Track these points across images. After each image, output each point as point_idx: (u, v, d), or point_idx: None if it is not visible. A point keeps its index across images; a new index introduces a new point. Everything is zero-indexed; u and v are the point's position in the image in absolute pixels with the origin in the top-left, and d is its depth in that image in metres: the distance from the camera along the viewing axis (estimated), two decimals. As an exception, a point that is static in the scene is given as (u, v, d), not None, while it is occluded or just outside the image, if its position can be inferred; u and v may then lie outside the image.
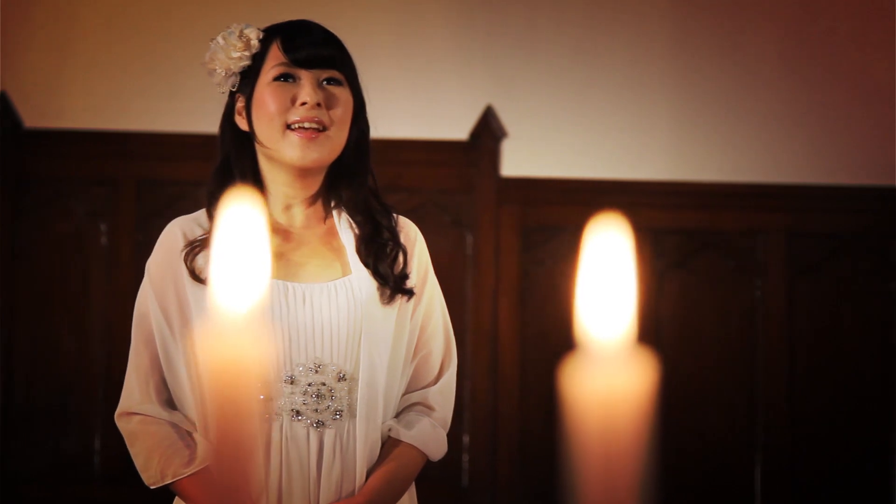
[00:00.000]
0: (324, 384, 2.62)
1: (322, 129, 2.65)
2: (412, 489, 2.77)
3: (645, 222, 5.33)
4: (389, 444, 2.69)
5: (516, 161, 5.39)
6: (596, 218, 0.89)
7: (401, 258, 2.71)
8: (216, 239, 0.86)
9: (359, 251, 2.68)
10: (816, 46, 5.49)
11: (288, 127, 2.64)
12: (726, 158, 5.46)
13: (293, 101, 2.65)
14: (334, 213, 2.73)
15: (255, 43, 2.69)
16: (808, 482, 5.28)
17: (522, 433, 5.26)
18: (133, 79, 5.37)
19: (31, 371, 5.22)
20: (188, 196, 5.09)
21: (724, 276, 5.36)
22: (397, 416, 2.73)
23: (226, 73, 2.72)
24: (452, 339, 2.81)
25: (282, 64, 2.67)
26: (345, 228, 2.71)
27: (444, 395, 2.76)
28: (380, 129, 5.28)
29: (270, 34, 2.71)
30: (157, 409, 2.66)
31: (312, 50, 2.67)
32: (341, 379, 2.63)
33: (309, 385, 2.62)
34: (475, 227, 5.32)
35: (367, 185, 2.74)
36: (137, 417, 2.69)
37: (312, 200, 2.72)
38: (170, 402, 2.66)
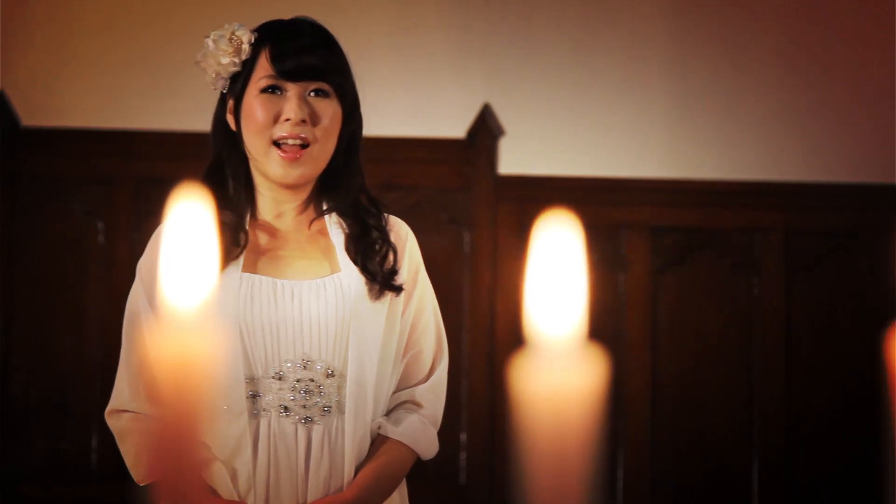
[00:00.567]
0: (312, 380, 2.63)
1: (306, 145, 2.65)
2: (403, 487, 2.77)
3: (642, 220, 5.34)
4: (378, 441, 2.70)
5: (514, 159, 5.39)
6: (545, 215, 0.89)
7: (390, 256, 2.71)
8: (163, 237, 0.86)
9: (348, 249, 2.69)
10: (814, 44, 5.49)
11: (274, 143, 2.65)
12: (724, 156, 5.46)
13: (279, 116, 2.66)
14: (325, 214, 2.74)
15: (245, 48, 2.69)
16: (806, 480, 5.28)
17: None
18: (131, 78, 5.38)
19: (29, 370, 5.22)
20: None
21: (722, 273, 5.36)
22: (387, 413, 2.73)
23: (216, 76, 2.73)
24: (444, 338, 2.81)
25: (269, 76, 2.67)
26: (335, 228, 2.72)
27: (434, 392, 2.77)
28: (377, 127, 5.31)
29: (262, 37, 2.71)
30: (146, 407, 2.68)
31: (300, 60, 2.67)
32: (330, 375, 2.64)
33: (297, 381, 2.62)
34: (473, 225, 5.32)
35: (357, 187, 2.75)
36: (127, 415, 2.70)
37: (303, 206, 2.73)
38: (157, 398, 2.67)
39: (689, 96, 5.46)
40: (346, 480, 2.64)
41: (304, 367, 2.63)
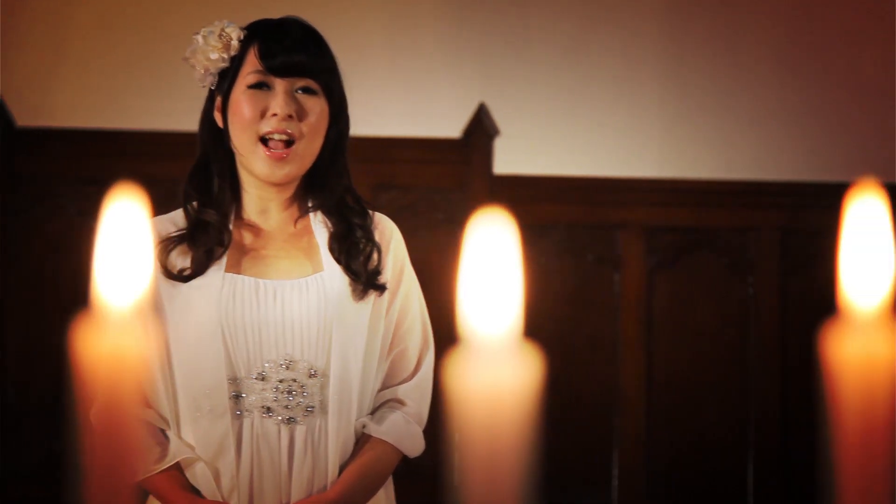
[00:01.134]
0: (295, 380, 2.62)
1: (291, 142, 2.65)
2: (389, 486, 2.77)
3: (637, 220, 5.34)
4: (362, 440, 2.70)
5: (509, 159, 5.39)
6: (479, 213, 0.89)
7: (375, 255, 2.71)
8: (98, 237, 0.86)
9: (331, 248, 2.69)
10: (811, 43, 5.48)
11: (261, 140, 2.65)
12: (719, 156, 5.46)
13: (266, 111, 2.66)
14: (310, 212, 2.74)
15: (234, 44, 2.70)
16: (801, 480, 5.27)
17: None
18: (125, 78, 5.38)
19: (24, 370, 5.23)
20: (180, 195, 5.09)
21: (717, 273, 5.35)
22: (372, 412, 2.73)
23: (204, 72, 2.73)
24: (430, 336, 2.80)
25: (257, 71, 2.67)
26: (320, 226, 2.72)
27: (419, 390, 2.76)
28: (373, 127, 5.31)
29: (251, 35, 2.71)
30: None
31: (287, 57, 2.67)
32: (312, 375, 2.63)
33: (280, 382, 2.62)
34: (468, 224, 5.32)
35: (342, 187, 2.74)
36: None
37: (289, 203, 2.73)
38: (142, 400, 2.66)
39: (684, 96, 5.46)
40: (329, 480, 2.64)
41: (287, 368, 2.62)
